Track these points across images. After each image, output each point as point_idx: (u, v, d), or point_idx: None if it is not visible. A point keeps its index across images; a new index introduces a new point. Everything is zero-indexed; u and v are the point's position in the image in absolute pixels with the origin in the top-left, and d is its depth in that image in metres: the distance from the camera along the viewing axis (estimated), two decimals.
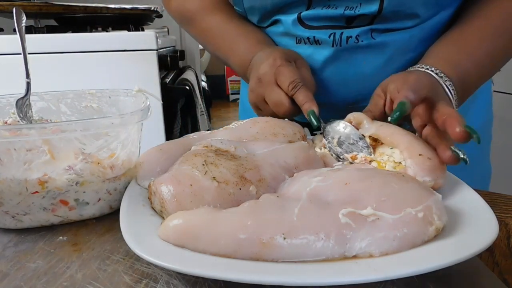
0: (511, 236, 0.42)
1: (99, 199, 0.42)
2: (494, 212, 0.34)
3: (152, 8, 1.31)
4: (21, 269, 0.34)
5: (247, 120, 0.52)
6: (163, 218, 0.36)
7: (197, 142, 0.45)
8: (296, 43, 0.61)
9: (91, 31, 1.25)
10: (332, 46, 0.57)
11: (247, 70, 0.61)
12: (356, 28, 0.56)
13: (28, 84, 0.50)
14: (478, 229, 0.33)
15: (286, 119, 0.53)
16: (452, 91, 0.49)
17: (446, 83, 0.49)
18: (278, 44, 0.65)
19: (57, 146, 0.40)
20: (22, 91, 0.49)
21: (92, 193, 0.41)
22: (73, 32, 1.24)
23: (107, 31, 1.29)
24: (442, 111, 0.40)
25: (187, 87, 1.26)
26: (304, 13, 0.58)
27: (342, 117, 0.51)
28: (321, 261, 0.30)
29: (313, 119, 0.49)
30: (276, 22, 0.62)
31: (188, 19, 0.70)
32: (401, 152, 0.42)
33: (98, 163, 0.41)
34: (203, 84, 1.98)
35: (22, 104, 0.49)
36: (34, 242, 0.39)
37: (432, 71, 0.50)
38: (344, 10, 0.55)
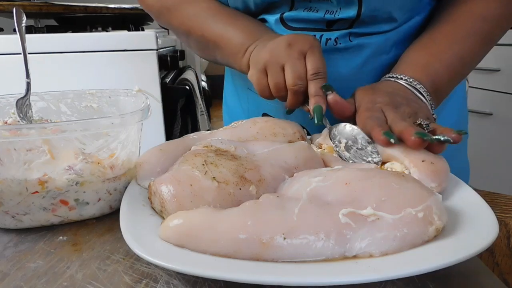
0: (511, 236, 0.42)
1: (99, 199, 0.42)
2: (494, 212, 0.34)
3: None
4: (21, 269, 0.34)
5: (247, 120, 0.52)
6: (163, 218, 0.36)
7: (197, 142, 0.45)
8: None
9: (91, 31, 1.25)
10: None
11: (243, 58, 0.56)
12: (336, 31, 0.57)
13: (28, 84, 0.50)
14: (478, 229, 0.33)
15: (286, 120, 0.53)
16: (424, 93, 0.51)
17: (417, 87, 0.51)
18: None
19: (57, 146, 0.40)
20: (22, 91, 0.49)
21: (92, 193, 0.41)
22: (73, 32, 1.25)
23: (107, 31, 1.29)
24: (395, 127, 0.43)
25: (187, 87, 1.26)
26: (287, 14, 0.59)
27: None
28: (321, 261, 0.30)
29: (317, 115, 0.48)
30: (262, 20, 0.63)
31: (169, 7, 0.65)
32: (401, 162, 0.42)
33: (98, 163, 0.41)
34: (203, 84, 1.98)
35: (22, 104, 0.49)
36: (34, 242, 0.39)
37: (401, 78, 0.52)
38: (325, 13, 0.56)
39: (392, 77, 0.53)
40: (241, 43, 0.56)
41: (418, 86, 0.51)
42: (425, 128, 0.43)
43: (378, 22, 0.56)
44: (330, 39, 0.57)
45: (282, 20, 0.60)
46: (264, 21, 0.63)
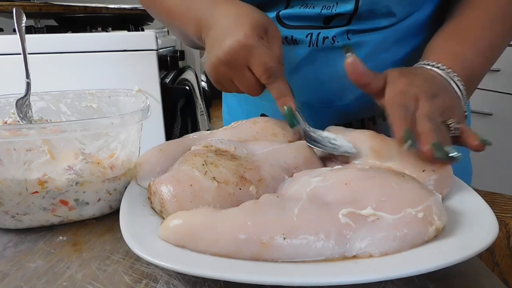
0: (511, 236, 0.42)
1: (99, 199, 0.42)
2: (494, 212, 0.34)
3: None
4: (21, 269, 0.34)
5: (247, 120, 0.52)
6: (163, 218, 0.36)
7: (197, 142, 0.45)
8: None
9: (91, 31, 1.25)
10: (309, 46, 0.57)
11: (203, 30, 0.51)
12: (333, 29, 0.56)
13: (28, 84, 0.50)
14: (478, 229, 0.33)
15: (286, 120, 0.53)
16: (461, 86, 0.48)
17: (455, 79, 0.48)
18: None
19: (57, 146, 0.40)
20: (22, 91, 0.49)
21: (92, 193, 0.41)
22: (73, 32, 1.24)
23: (107, 31, 1.29)
24: (419, 124, 0.41)
25: (187, 87, 1.26)
26: (283, 12, 0.58)
27: (316, 116, 0.50)
28: (321, 261, 0.30)
29: (289, 117, 0.46)
30: None
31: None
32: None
33: (98, 163, 0.41)
34: (203, 84, 1.98)
35: (22, 104, 0.49)
36: (34, 242, 0.39)
37: (439, 67, 0.48)
38: (321, 9, 0.55)
39: (428, 64, 0.49)
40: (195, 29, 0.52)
41: (455, 78, 0.47)
42: (452, 131, 0.41)
43: (376, 17, 0.55)
44: (327, 37, 0.56)
45: (278, 19, 0.59)
46: None
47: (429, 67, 0.48)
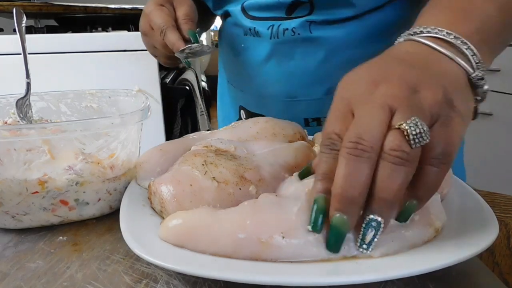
0: (511, 236, 0.42)
1: (99, 199, 0.42)
2: (494, 212, 0.34)
3: None
4: (21, 269, 0.34)
5: (247, 120, 0.52)
6: (163, 218, 0.36)
7: (197, 142, 0.45)
8: (244, 35, 0.62)
9: (91, 31, 1.25)
10: (270, 38, 0.58)
11: None
12: (295, 19, 0.56)
13: (28, 84, 0.50)
14: (478, 229, 0.33)
15: (286, 120, 0.53)
16: (466, 49, 0.32)
17: (452, 40, 0.32)
18: (231, 35, 0.65)
19: (57, 146, 0.40)
20: (22, 91, 0.49)
21: (92, 193, 0.41)
22: (73, 32, 1.25)
23: (107, 31, 1.29)
24: (381, 171, 0.27)
25: (187, 87, 1.26)
26: (247, 3, 0.59)
27: (284, 110, 0.53)
28: (321, 261, 0.30)
29: (192, 37, 0.52)
30: (226, 12, 0.64)
31: None
32: None
33: (98, 163, 0.41)
34: (203, 84, 1.98)
35: (22, 104, 0.49)
36: (34, 242, 0.39)
37: (423, 34, 0.33)
38: None
39: (410, 34, 0.35)
40: None
41: (453, 40, 0.32)
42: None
43: (335, 7, 0.54)
44: (287, 29, 0.56)
45: (243, 10, 0.60)
46: (228, 14, 0.63)
47: (408, 38, 0.35)
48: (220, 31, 0.71)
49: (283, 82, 0.61)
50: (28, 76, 0.50)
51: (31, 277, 0.33)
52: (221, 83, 0.78)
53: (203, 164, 0.38)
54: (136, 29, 1.28)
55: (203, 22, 0.71)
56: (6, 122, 0.47)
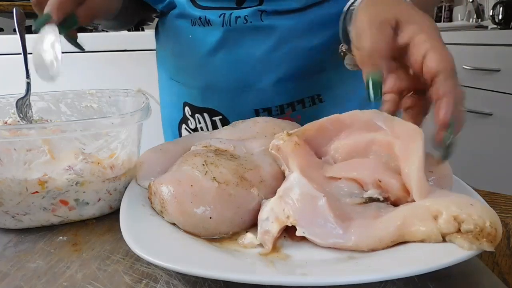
0: (511, 236, 0.42)
1: (99, 199, 0.42)
2: None
3: None
4: (21, 269, 0.34)
5: (247, 120, 0.52)
6: (163, 218, 0.36)
7: (197, 142, 0.45)
8: (191, 25, 0.61)
9: (91, 31, 1.25)
10: (222, 26, 0.58)
11: None
12: (246, 9, 0.57)
13: (28, 84, 0.50)
14: None
15: (286, 120, 0.53)
16: None
17: None
18: (176, 28, 0.64)
19: (57, 146, 0.40)
20: (22, 91, 0.49)
21: (92, 193, 0.41)
22: None
23: (107, 31, 1.29)
24: (436, 89, 0.34)
25: None
26: None
27: (234, 100, 0.54)
28: (321, 261, 0.30)
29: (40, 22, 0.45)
30: (171, 4, 0.63)
31: None
32: None
33: (98, 163, 0.41)
34: None
35: (22, 104, 0.49)
36: (34, 242, 0.39)
37: None
38: None
39: None
40: None
41: None
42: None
43: None
44: (239, 17, 0.57)
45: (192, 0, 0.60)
46: (172, 5, 0.63)
47: None
48: (158, 28, 0.71)
49: (232, 71, 0.61)
50: (28, 76, 0.50)
51: (31, 277, 0.33)
52: (161, 82, 0.76)
53: (203, 164, 0.38)
54: (136, 29, 1.28)
55: (123, 15, 0.66)
56: (6, 122, 0.47)
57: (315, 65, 0.60)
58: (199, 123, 0.67)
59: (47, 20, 0.45)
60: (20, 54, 0.50)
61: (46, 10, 0.45)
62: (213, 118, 0.63)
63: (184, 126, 0.70)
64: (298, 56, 0.57)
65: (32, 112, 0.50)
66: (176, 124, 0.72)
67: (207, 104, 0.64)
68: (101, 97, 0.53)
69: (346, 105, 0.62)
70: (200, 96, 0.65)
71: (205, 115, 0.64)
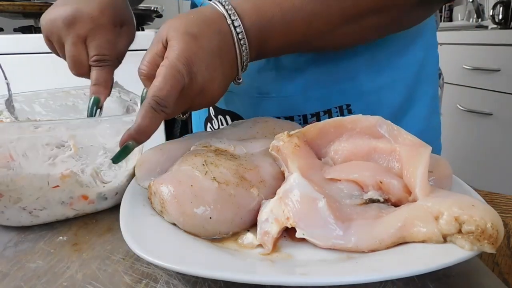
0: (511, 236, 0.42)
1: (116, 193, 0.43)
2: None
3: (152, 8, 1.31)
4: (21, 269, 0.34)
5: (247, 120, 0.52)
6: (163, 218, 0.36)
7: (197, 142, 0.45)
8: None
9: None
10: None
11: None
12: None
13: (8, 85, 0.50)
14: None
15: (286, 120, 0.53)
16: (240, 32, 0.38)
17: (232, 17, 0.38)
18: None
19: (81, 141, 0.40)
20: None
21: (112, 188, 0.42)
22: None
23: None
24: None
25: None
26: None
27: (255, 106, 0.53)
28: (321, 261, 0.30)
29: (91, 106, 0.45)
30: (194, 6, 0.62)
31: None
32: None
33: None
34: None
35: (9, 105, 0.49)
36: (34, 242, 0.39)
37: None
38: None
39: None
40: None
41: (233, 16, 0.38)
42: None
43: None
44: None
45: None
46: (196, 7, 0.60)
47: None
48: None
49: (253, 78, 0.59)
50: (5, 77, 0.50)
51: (31, 277, 0.33)
52: None
53: (203, 164, 0.38)
54: (136, 29, 1.28)
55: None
56: (1, 121, 0.48)
57: (345, 71, 0.56)
58: (221, 124, 0.66)
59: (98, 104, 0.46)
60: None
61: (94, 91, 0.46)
62: (235, 122, 0.63)
63: (209, 124, 0.70)
64: (322, 62, 0.52)
65: (16, 113, 0.50)
66: (202, 121, 0.72)
67: (230, 107, 0.63)
68: (75, 95, 0.53)
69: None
70: (223, 98, 0.63)
71: (227, 117, 0.62)
